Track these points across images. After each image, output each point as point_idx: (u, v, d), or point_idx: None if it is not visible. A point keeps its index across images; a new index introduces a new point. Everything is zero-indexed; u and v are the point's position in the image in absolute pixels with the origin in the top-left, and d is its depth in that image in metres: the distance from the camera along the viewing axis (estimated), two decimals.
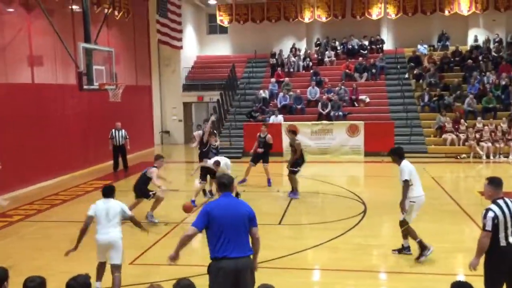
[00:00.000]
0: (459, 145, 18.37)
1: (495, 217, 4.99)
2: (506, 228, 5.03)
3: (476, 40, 24.32)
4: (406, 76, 22.88)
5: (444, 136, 18.81)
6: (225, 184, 4.88)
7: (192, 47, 26.67)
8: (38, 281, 3.96)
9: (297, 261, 7.69)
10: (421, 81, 22.06)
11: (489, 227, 5.00)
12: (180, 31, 23.98)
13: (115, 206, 6.43)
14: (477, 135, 18.13)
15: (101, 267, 6.53)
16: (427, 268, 7.19)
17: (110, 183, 10.52)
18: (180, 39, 23.97)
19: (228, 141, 19.89)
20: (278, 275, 6.66)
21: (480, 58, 22.73)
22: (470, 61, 22.36)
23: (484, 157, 17.63)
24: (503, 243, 5.04)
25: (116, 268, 6.28)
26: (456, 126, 18.82)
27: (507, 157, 17.51)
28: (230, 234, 4.60)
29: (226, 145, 19.36)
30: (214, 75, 24.99)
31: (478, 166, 17.04)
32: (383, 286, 7.00)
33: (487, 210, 5.06)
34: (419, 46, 24.32)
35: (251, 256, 4.75)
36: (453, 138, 18.55)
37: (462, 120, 18.92)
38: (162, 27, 22.47)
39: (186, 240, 4.72)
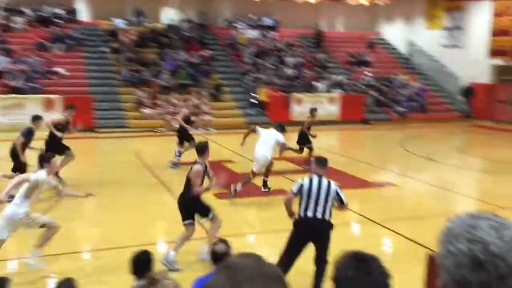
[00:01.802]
0: (157, 119, 19.24)
1: (301, 185, 5.67)
2: (307, 200, 5.59)
3: (171, 19, 25.68)
4: (105, 49, 22.54)
5: (142, 110, 19.39)
6: None
7: None
8: None
9: None
10: (119, 55, 22.10)
11: (293, 189, 5.75)
12: None
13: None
14: (172, 109, 19.32)
15: None
16: (126, 242, 7.27)
17: None
18: None
19: None
20: None
21: (174, 36, 24.13)
22: (165, 38, 23.51)
23: None
24: (301, 213, 5.64)
25: None
26: (154, 101, 19.61)
27: (197, 129, 19.22)
28: None
29: None
30: None
31: (174, 139, 18.15)
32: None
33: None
34: (116, 20, 24.20)
35: None
36: (151, 113, 19.29)
37: (159, 95, 19.83)
38: None
39: None
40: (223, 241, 4.35)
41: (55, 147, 10.05)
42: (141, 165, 12.94)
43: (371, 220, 8.77)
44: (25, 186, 6.18)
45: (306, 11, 27.33)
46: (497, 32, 22.72)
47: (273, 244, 6.82)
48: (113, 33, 23.16)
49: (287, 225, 5.92)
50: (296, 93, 21.63)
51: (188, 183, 6.66)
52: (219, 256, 4.07)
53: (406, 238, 7.89)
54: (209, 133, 19.10)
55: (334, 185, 5.74)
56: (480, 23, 23.54)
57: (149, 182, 11.17)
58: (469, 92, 23.68)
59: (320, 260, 5.55)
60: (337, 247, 2.99)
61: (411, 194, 11.48)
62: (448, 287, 1.34)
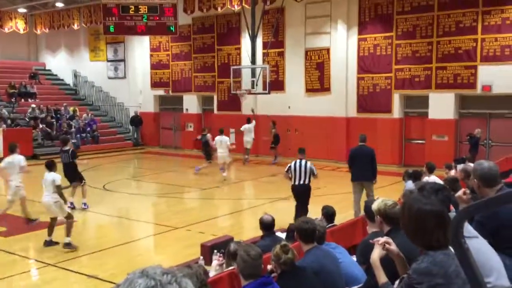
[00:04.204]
0: None
1: (289, 166, 9.88)
2: (295, 175, 9.73)
3: None
4: None
5: None
6: None
7: None
8: None
9: None
10: None
11: (285, 169, 10.04)
12: None
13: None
14: None
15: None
16: None
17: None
18: None
19: None
20: None
21: None
22: None
23: None
24: (293, 182, 9.83)
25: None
26: None
27: None
28: None
29: None
30: None
31: None
32: None
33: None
34: None
35: None
36: None
37: None
38: None
39: None
40: None
41: None
42: None
43: (52, 265, 8.17)
44: None
45: None
46: (156, 65, 24.78)
47: None
48: None
49: None
50: None
51: None
52: None
53: (88, 276, 7.66)
54: None
55: (309, 164, 9.83)
56: (141, 56, 25.20)
57: None
58: (137, 120, 24.99)
59: (304, 208, 9.63)
60: None
61: (91, 227, 11.29)
62: None
